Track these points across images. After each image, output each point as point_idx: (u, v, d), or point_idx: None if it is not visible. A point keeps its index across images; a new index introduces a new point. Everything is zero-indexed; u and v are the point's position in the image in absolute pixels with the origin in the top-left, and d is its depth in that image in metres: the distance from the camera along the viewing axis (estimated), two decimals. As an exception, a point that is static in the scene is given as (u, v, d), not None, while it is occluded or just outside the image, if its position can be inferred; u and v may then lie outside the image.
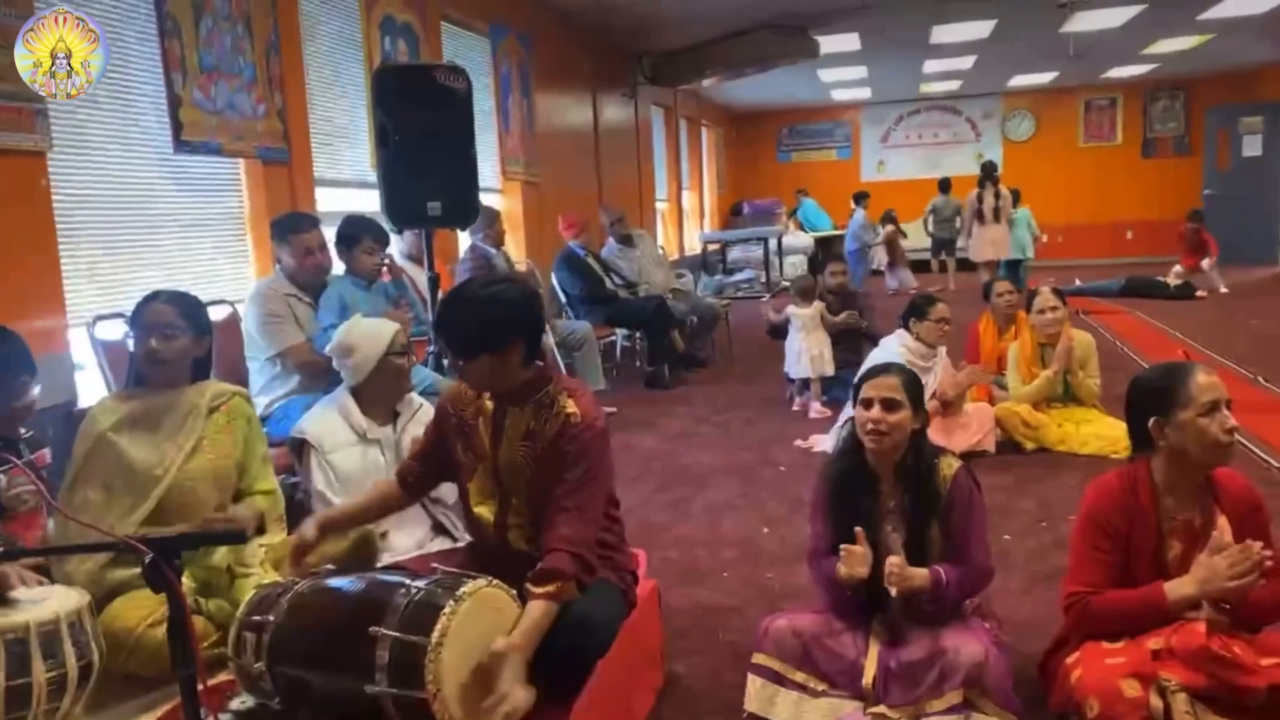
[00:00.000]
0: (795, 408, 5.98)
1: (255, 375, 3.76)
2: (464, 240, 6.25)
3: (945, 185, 12.91)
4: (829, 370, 5.87)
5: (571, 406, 2.17)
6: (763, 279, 13.14)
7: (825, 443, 5.02)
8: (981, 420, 4.77)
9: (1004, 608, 2.62)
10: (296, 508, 2.98)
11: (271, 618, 1.94)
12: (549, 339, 6.09)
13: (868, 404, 2.34)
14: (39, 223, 3.34)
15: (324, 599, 1.99)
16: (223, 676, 2.16)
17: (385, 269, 4.22)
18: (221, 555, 2.45)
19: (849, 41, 10.58)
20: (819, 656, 2.28)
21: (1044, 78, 14.81)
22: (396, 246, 5.05)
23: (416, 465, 2.40)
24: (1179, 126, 16.19)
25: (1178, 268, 11.51)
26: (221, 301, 3.95)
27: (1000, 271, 10.87)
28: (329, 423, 2.86)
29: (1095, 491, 2.26)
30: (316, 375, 3.57)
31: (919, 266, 13.13)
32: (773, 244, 13.56)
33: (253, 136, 4.38)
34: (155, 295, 2.60)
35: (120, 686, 2.24)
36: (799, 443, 5.18)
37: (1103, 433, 4.65)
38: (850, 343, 6.11)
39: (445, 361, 4.09)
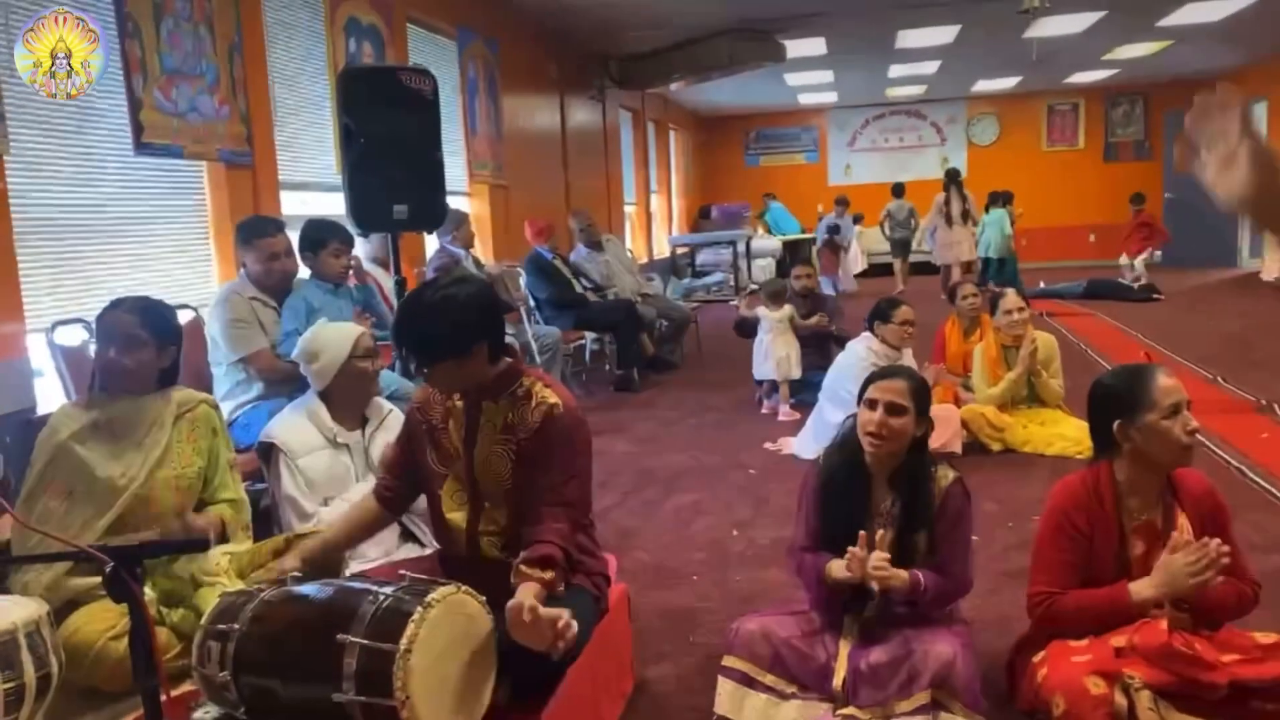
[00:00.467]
0: (764, 410, 6.01)
1: (220, 381, 3.71)
2: (431, 243, 6.22)
3: (899, 190, 13.32)
4: (795, 373, 5.90)
5: (553, 396, 2.15)
6: (732, 282, 13.20)
7: (794, 445, 5.06)
8: (948, 422, 4.81)
9: (971, 608, 2.65)
10: (263, 514, 2.95)
11: (236, 626, 1.91)
12: (526, 335, 6.08)
13: (872, 405, 2.32)
14: (-5, 226, 3.28)
15: (290, 607, 1.97)
16: (186, 687, 2.12)
17: (352, 273, 4.18)
18: (184, 564, 2.42)
19: (815, 46, 10.65)
20: (789, 659, 2.29)
21: (1007, 83, 15.00)
22: (363, 250, 5.01)
23: (393, 479, 2.35)
24: (1139, 131, 16.46)
25: (1125, 259, 11.80)
26: (185, 306, 3.90)
27: (989, 271, 11.24)
28: (298, 427, 2.83)
29: (1058, 493, 2.29)
30: (281, 381, 3.53)
31: (883, 269, 13.46)
32: (741, 247, 13.63)
33: (215, 139, 4.32)
34: (119, 303, 2.54)
35: (81, 699, 2.20)
36: (768, 445, 5.20)
37: (1067, 434, 4.72)
38: (818, 346, 6.15)
39: (414, 371, 4.07)
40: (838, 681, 2.22)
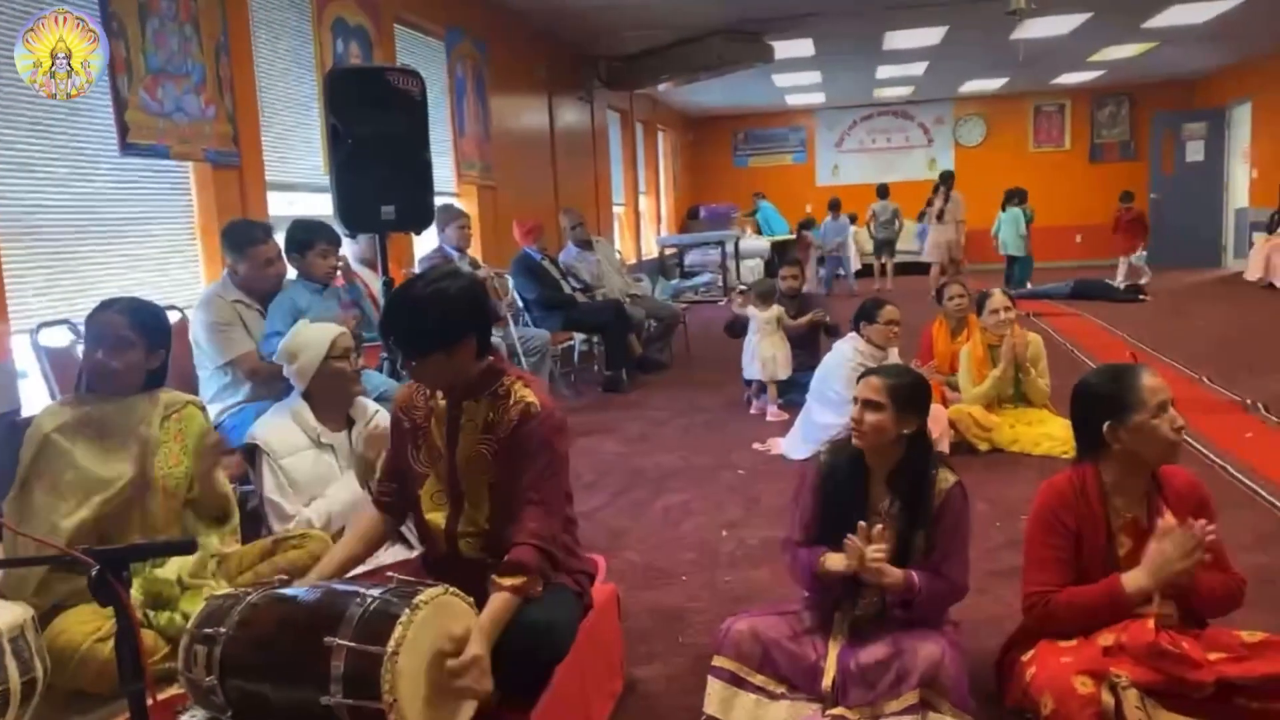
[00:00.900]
0: (753, 411, 6.02)
1: (205, 384, 3.69)
2: (419, 244, 6.20)
3: (884, 191, 13.75)
4: (781, 374, 5.91)
5: (530, 396, 2.15)
6: (720, 283, 13.23)
7: (783, 446, 5.06)
8: (935, 421, 4.80)
9: (959, 608, 2.65)
10: (251, 516, 2.94)
11: (223, 630, 1.90)
12: (513, 338, 6.07)
13: (855, 402, 2.38)
14: (-21, 227, 3.26)
15: (277, 610, 1.95)
16: (172, 691, 2.11)
17: (340, 273, 4.17)
18: (172, 567, 2.40)
19: (803, 47, 10.67)
20: (779, 659, 2.29)
21: (994, 84, 15.05)
22: (350, 251, 4.99)
23: (390, 484, 2.34)
24: (1125, 132, 16.54)
25: (1122, 258, 11.99)
26: (171, 307, 3.88)
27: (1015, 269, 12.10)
28: (282, 428, 2.82)
29: (1045, 493, 2.30)
30: (268, 382, 3.52)
31: (867, 270, 13.90)
32: (730, 248, 13.66)
33: (202, 139, 4.30)
34: (110, 304, 2.53)
35: (66, 703, 2.19)
36: (757, 446, 5.21)
37: (1054, 433, 4.74)
38: (808, 346, 6.16)
39: (399, 367, 4.06)
40: (827, 681, 2.23)
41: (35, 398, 3.32)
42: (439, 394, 2.22)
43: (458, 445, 2.18)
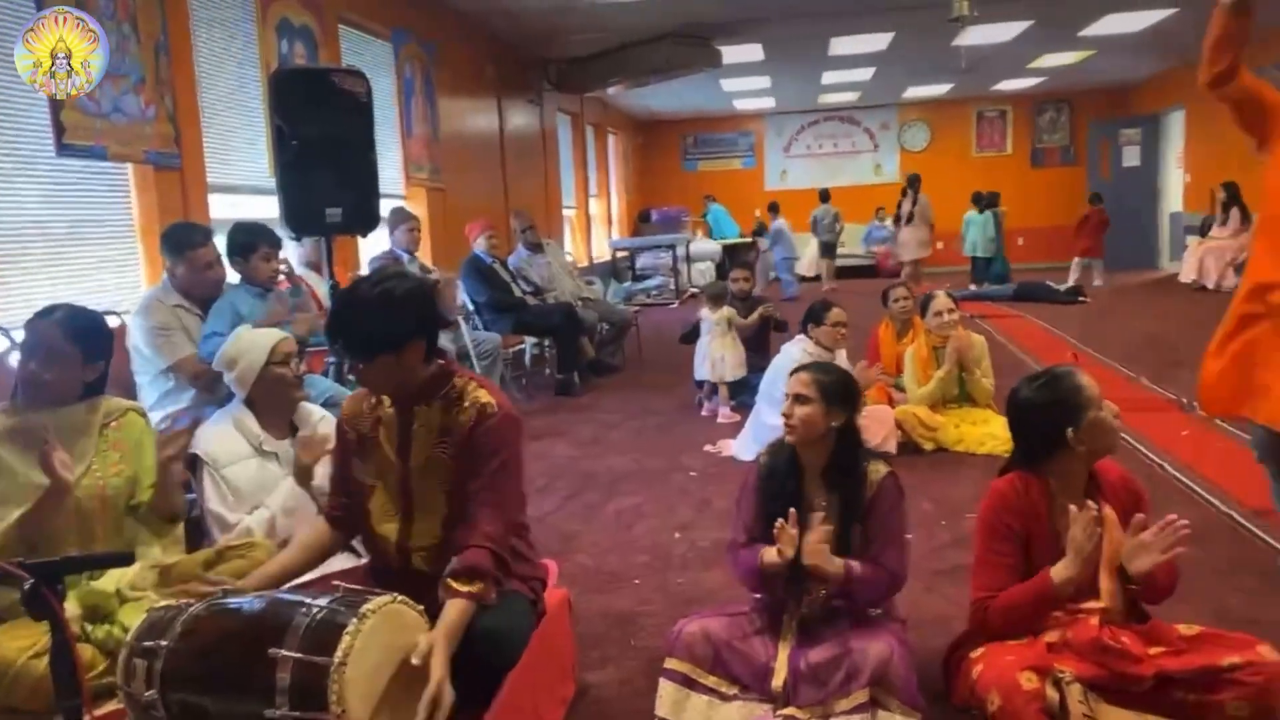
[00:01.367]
0: (704, 413, 6.04)
1: (146, 390, 3.61)
2: (365, 247, 6.13)
3: (825, 196, 14.35)
4: (731, 375, 5.94)
5: (486, 396, 2.14)
6: (671, 285, 13.29)
7: (734, 447, 5.09)
8: (882, 422, 4.89)
9: (907, 606, 2.68)
10: (193, 526, 2.87)
11: (164, 642, 1.86)
12: (465, 340, 6.03)
13: (786, 397, 2.42)
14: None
15: (220, 621, 1.92)
16: (111, 707, 2.06)
17: (284, 277, 4.11)
18: (110, 579, 2.34)
19: (751, 52, 10.75)
20: (730, 660, 2.30)
21: (938, 89, 15.31)
22: (295, 254, 4.93)
23: (339, 498, 2.30)
24: (1065, 138, 16.94)
25: (1078, 261, 12.46)
26: (110, 313, 3.78)
27: (977, 270, 12.79)
28: (223, 436, 2.76)
29: (991, 499, 2.35)
30: (210, 386, 3.45)
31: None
32: (681, 251, 13.72)
33: (142, 140, 4.21)
34: (48, 312, 2.44)
35: (0, 720, 2.12)
36: (709, 448, 5.23)
37: (998, 433, 4.82)
38: (758, 347, 6.21)
39: (347, 371, 4.01)
40: (778, 682, 2.24)
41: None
42: (386, 402, 2.19)
43: (411, 453, 2.15)
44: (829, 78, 13.37)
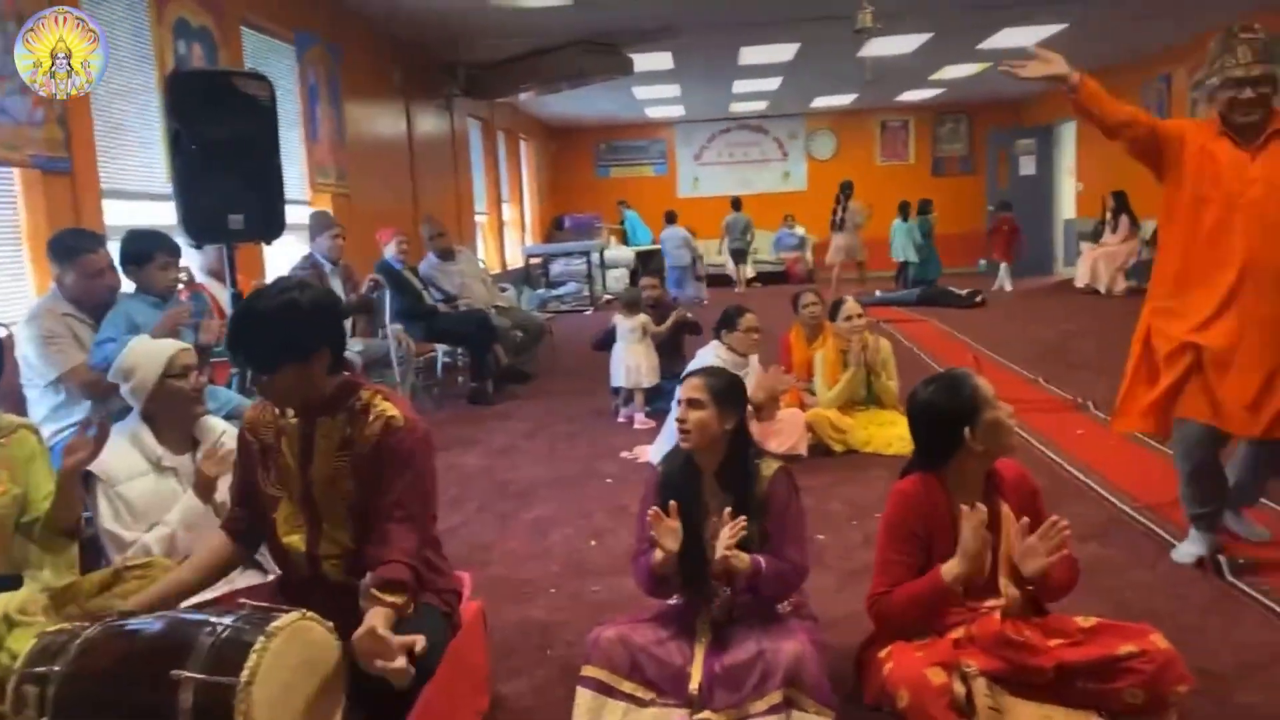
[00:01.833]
0: (621, 419, 6.05)
1: (36, 403, 3.45)
2: (269, 254, 5.97)
3: (736, 204, 14.99)
4: (646, 382, 5.97)
5: (392, 409, 2.09)
6: (586, 292, 13.29)
7: (650, 453, 5.10)
8: (794, 426, 4.97)
9: (819, 605, 2.73)
10: (88, 547, 2.75)
11: (57, 667, 1.77)
12: (388, 346, 5.93)
13: (680, 403, 2.47)
14: None
15: (118, 644, 1.84)
16: (-1, 737, 1.95)
17: (184, 286, 3.97)
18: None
19: (662, 60, 10.83)
20: (647, 665, 2.30)
21: (844, 100, 15.66)
22: (196, 262, 4.76)
23: (239, 510, 2.24)
24: (964, 148, 17.52)
25: (1003, 265, 13.12)
26: (-5, 324, 3.61)
27: (905, 274, 13.48)
28: (119, 452, 2.64)
29: (894, 500, 2.41)
30: (103, 396, 3.31)
31: (719, 280, 14.89)
32: (595, 257, 13.74)
33: (29, 144, 4.02)
34: None
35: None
36: (625, 454, 5.23)
37: (904, 434, 4.88)
38: (673, 353, 6.25)
39: (249, 383, 3.89)
40: (693, 685, 2.25)
41: None
42: (289, 412, 2.14)
43: (312, 464, 2.10)
44: (739, 87, 13.56)
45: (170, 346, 2.78)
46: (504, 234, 13.51)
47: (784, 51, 10.87)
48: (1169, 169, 3.25)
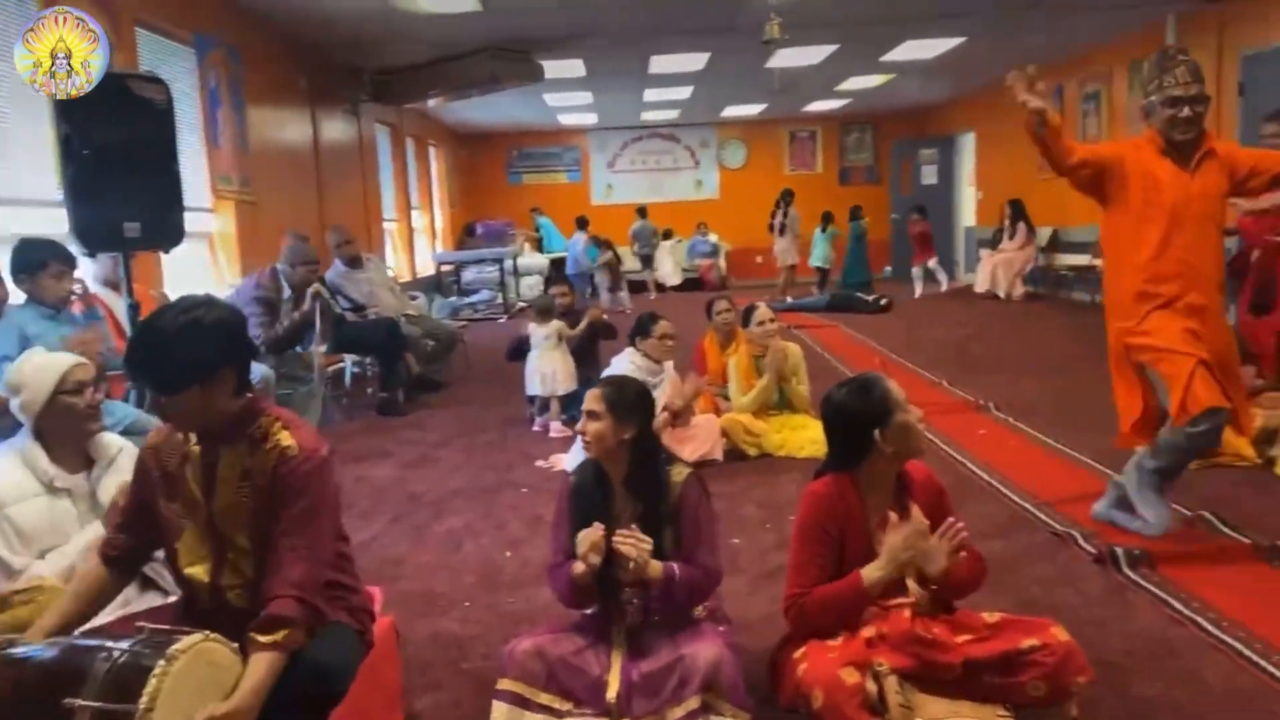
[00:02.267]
0: (536, 428, 6.01)
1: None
2: (168, 264, 5.76)
3: (643, 211, 15.29)
4: (563, 389, 5.95)
5: (288, 439, 2.03)
6: (499, 300, 13.17)
7: (566, 462, 5.08)
8: (709, 431, 5.02)
9: (734, 609, 2.75)
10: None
11: (-62, 702, 1.68)
12: (315, 360, 5.81)
13: (583, 415, 2.48)
14: None
15: (7, 672, 1.75)
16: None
17: (77, 298, 3.81)
18: None
19: (573, 68, 10.83)
20: (564, 676, 2.29)
21: (753, 109, 15.90)
22: (90, 271, 4.57)
23: (121, 537, 2.13)
24: (870, 157, 17.96)
25: (916, 269, 13.60)
26: None
27: (823, 280, 14.08)
28: (8, 471, 2.50)
29: (808, 502, 2.44)
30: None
31: (636, 286, 15.00)
32: (508, 264, 13.64)
33: (-97, 147, 3.81)
34: None
35: None
36: (540, 463, 5.20)
37: (816, 437, 5.03)
38: (588, 360, 6.24)
39: (151, 405, 3.75)
40: (611, 694, 2.25)
41: None
42: (193, 438, 2.06)
43: (215, 495, 2.03)
44: (650, 95, 13.65)
45: (64, 361, 2.64)
46: (414, 241, 13.32)
47: (694, 61, 10.98)
48: (1114, 194, 3.51)
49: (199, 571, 2.04)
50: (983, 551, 2.45)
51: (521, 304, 13.41)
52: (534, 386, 6.01)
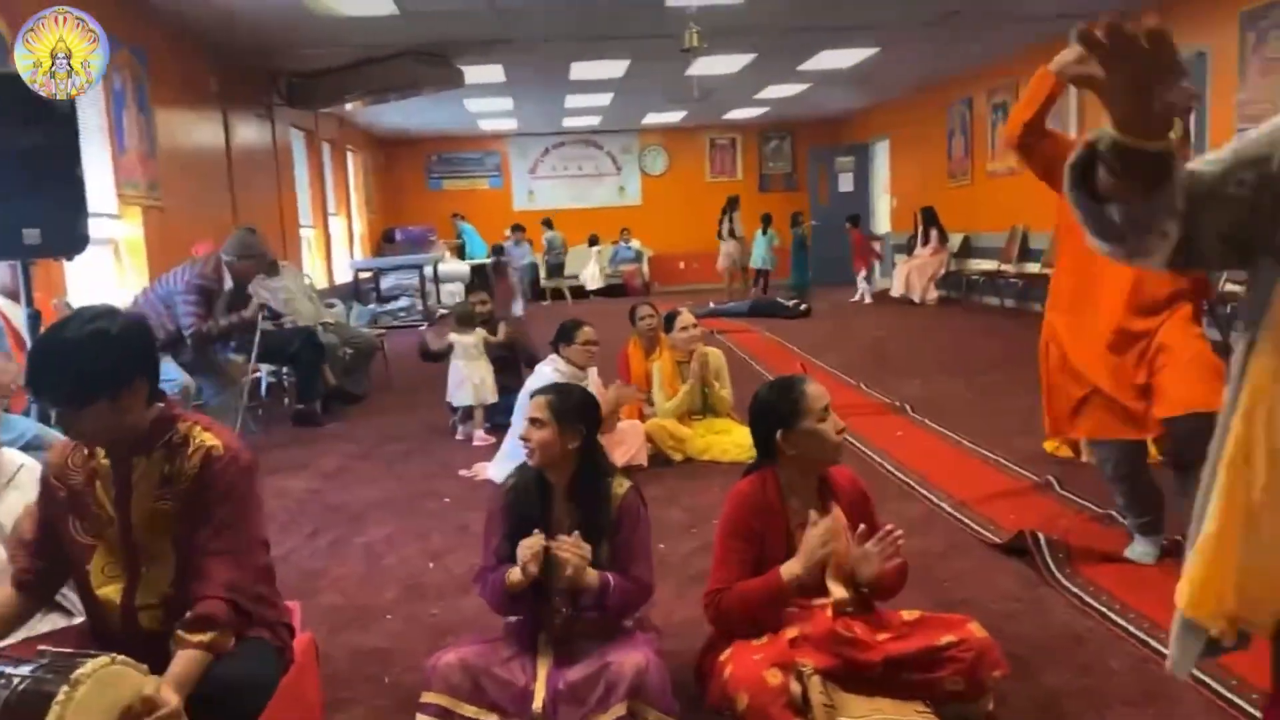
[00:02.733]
0: (459, 437, 5.94)
1: None
2: (71, 272, 5.55)
3: (549, 223, 16.05)
4: (491, 398, 5.90)
5: (212, 439, 1.97)
6: (420, 307, 12.99)
7: (490, 470, 5.03)
8: (634, 437, 5.03)
9: (660, 613, 2.76)
10: None
11: None
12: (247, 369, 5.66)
13: (525, 422, 2.44)
14: None
15: (-105, 705, 1.66)
16: None
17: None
18: None
19: (493, 73, 10.76)
20: (489, 687, 2.27)
21: (674, 117, 16.02)
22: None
23: (33, 561, 2.03)
24: (788, 165, 18.24)
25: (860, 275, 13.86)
26: None
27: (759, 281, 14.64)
28: (-103, 491, 2.39)
29: (732, 501, 2.47)
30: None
31: (556, 292, 15.76)
32: (429, 271, 13.46)
33: None
34: None
35: None
36: (463, 472, 5.14)
37: (740, 441, 5.09)
38: (511, 369, 6.19)
39: (55, 421, 3.60)
40: (538, 703, 2.23)
41: None
42: (100, 452, 1.98)
43: (131, 507, 1.95)
44: (571, 101, 13.64)
45: None
46: (331, 248, 13.07)
47: (615, 68, 11.01)
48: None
49: (111, 592, 1.97)
50: (902, 550, 2.50)
51: (443, 311, 13.26)
52: (464, 396, 5.92)
